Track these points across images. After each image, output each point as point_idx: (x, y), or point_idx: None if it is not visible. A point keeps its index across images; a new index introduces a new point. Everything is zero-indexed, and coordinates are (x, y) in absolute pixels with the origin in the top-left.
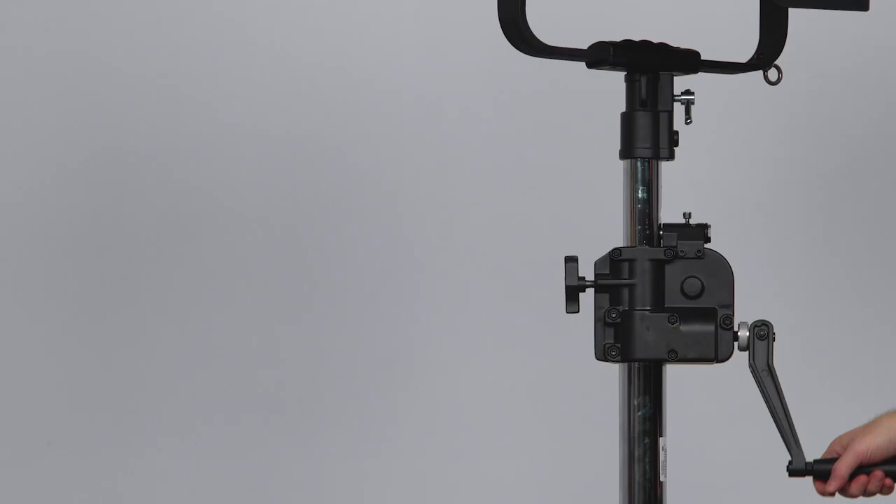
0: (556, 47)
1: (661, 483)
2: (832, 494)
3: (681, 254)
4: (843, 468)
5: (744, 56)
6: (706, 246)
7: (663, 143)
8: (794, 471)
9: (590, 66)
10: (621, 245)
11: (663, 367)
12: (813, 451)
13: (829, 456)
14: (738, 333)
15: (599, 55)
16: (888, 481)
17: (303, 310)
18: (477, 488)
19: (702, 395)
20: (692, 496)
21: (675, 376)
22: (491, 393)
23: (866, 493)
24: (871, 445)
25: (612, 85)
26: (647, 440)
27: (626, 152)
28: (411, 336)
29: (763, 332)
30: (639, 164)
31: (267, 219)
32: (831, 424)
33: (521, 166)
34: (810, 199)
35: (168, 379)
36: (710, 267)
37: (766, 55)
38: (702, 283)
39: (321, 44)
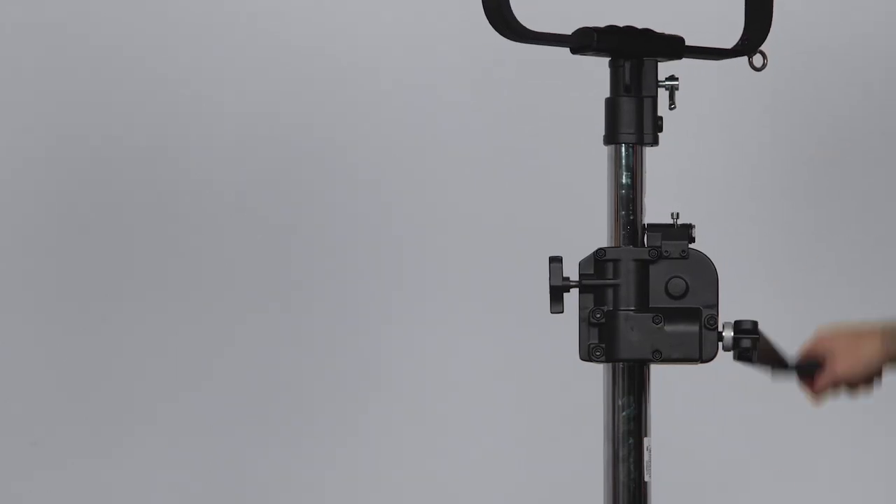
0: (540, 33)
1: (645, 483)
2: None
3: (665, 254)
4: (821, 386)
5: (729, 42)
6: (690, 246)
7: (647, 129)
8: (778, 368)
9: (574, 51)
10: (606, 241)
11: (648, 367)
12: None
13: (811, 347)
14: (723, 334)
15: (583, 41)
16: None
17: (286, 308)
18: (462, 487)
19: (686, 396)
20: (677, 496)
21: (660, 376)
22: (476, 393)
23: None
24: (849, 373)
25: (597, 71)
26: (631, 440)
27: (611, 138)
28: (395, 335)
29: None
30: (623, 149)
31: (250, 220)
32: (819, 421)
33: (505, 155)
34: (795, 184)
35: (149, 377)
36: (694, 267)
37: (752, 41)
38: (686, 283)
39: (300, 34)
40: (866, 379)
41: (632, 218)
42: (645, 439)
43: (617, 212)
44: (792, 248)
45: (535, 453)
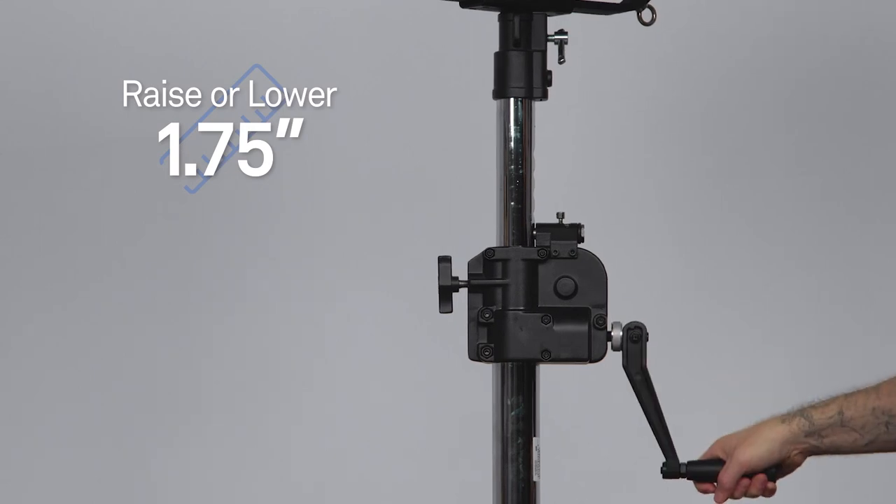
0: None
1: (534, 483)
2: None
3: (554, 254)
4: (728, 479)
5: None
6: (580, 246)
7: (537, 83)
8: (669, 473)
9: (463, 5)
10: (494, 202)
11: (537, 367)
12: (687, 449)
13: (708, 457)
14: (612, 333)
15: None
16: (770, 484)
17: (180, 308)
18: (350, 488)
19: (575, 395)
20: (565, 496)
21: (549, 376)
22: (364, 392)
23: (748, 495)
24: (753, 456)
25: (486, 24)
26: (520, 440)
27: (500, 92)
28: (282, 336)
29: (636, 335)
30: (512, 103)
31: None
32: (705, 423)
33: (393, 112)
34: (686, 142)
35: (28, 378)
36: (583, 267)
37: None
38: (575, 283)
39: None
40: (772, 464)
41: (521, 172)
42: (534, 439)
43: (506, 167)
44: (686, 232)
45: (424, 453)
